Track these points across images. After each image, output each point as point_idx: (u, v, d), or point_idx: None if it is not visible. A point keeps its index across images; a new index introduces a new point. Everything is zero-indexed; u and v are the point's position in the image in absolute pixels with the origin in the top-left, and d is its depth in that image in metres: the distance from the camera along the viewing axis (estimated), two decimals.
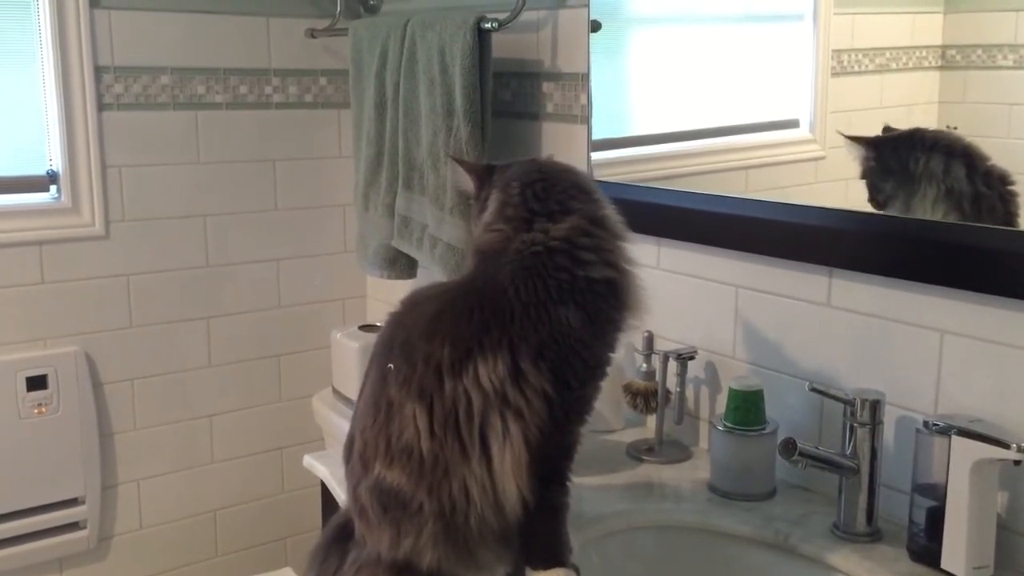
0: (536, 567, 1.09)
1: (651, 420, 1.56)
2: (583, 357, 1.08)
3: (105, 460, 2.10)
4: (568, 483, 1.13)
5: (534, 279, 1.08)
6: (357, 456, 1.11)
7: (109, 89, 2.02)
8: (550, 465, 1.10)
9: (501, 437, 1.05)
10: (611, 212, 1.16)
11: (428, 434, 1.05)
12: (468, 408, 1.04)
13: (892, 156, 1.28)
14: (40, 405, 1.98)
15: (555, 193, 1.14)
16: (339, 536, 1.18)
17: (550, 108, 1.79)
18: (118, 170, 2.06)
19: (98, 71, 2.00)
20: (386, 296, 2.33)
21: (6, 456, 1.95)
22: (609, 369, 1.14)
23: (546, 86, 1.79)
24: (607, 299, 1.10)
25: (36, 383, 1.97)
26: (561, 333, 1.07)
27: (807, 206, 1.36)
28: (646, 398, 1.52)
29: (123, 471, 2.13)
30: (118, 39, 2.02)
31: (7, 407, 1.95)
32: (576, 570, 1.10)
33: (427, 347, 1.06)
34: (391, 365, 1.08)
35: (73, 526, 2.05)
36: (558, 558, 1.10)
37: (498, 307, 1.07)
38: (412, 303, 1.14)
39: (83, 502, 2.05)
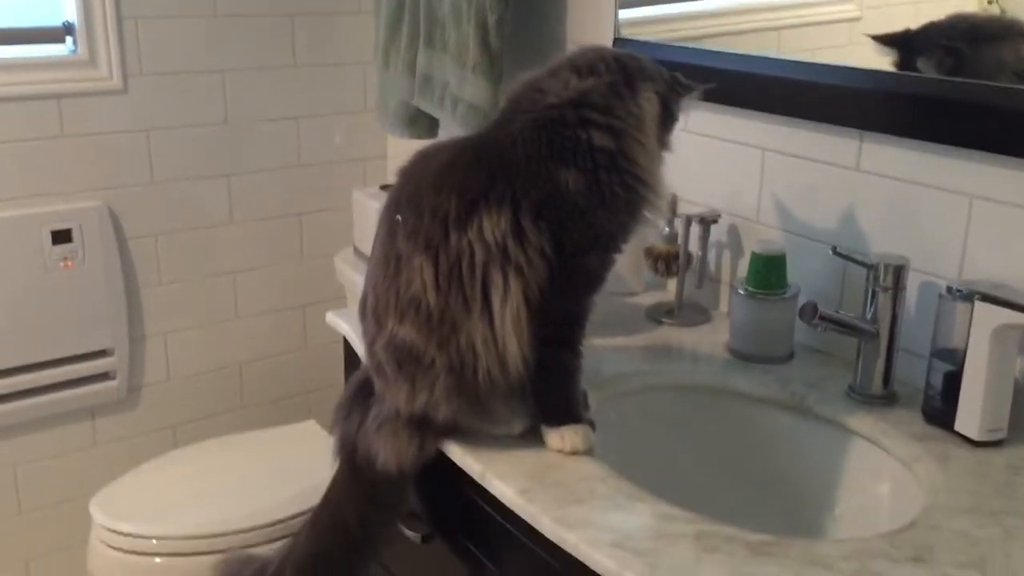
0: (551, 424, 1.11)
1: (672, 283, 1.56)
2: (582, 224, 1.07)
3: (132, 313, 2.13)
4: (579, 348, 1.13)
5: (539, 133, 1.06)
6: (371, 313, 1.13)
7: None
8: (555, 331, 1.10)
9: (502, 292, 1.05)
10: (649, 98, 1.10)
11: (434, 287, 1.05)
12: (471, 262, 1.04)
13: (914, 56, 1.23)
14: (66, 259, 2.00)
15: (591, 57, 1.11)
16: (361, 392, 1.20)
17: None
18: (134, 22, 2.01)
19: None
20: (407, 156, 2.31)
21: (35, 307, 1.99)
22: (623, 246, 1.13)
23: None
24: (610, 171, 1.06)
25: (61, 237, 1.98)
26: (559, 195, 1.05)
27: (840, 66, 1.32)
28: (667, 261, 1.52)
29: (150, 324, 2.17)
30: None
31: (34, 260, 1.97)
32: (591, 425, 1.13)
33: (435, 198, 1.06)
34: (399, 217, 1.08)
35: (103, 376, 2.11)
36: (572, 416, 1.12)
37: (505, 160, 1.06)
38: (423, 155, 1.13)
39: (112, 353, 2.10)
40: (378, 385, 1.15)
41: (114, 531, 1.77)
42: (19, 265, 1.96)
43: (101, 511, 1.81)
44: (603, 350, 1.37)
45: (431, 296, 1.05)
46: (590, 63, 1.10)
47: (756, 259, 1.36)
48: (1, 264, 1.94)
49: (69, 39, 1.98)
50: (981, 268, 1.19)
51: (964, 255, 1.20)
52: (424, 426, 1.12)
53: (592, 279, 1.12)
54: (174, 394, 2.24)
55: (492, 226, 1.04)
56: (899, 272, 1.20)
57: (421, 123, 1.98)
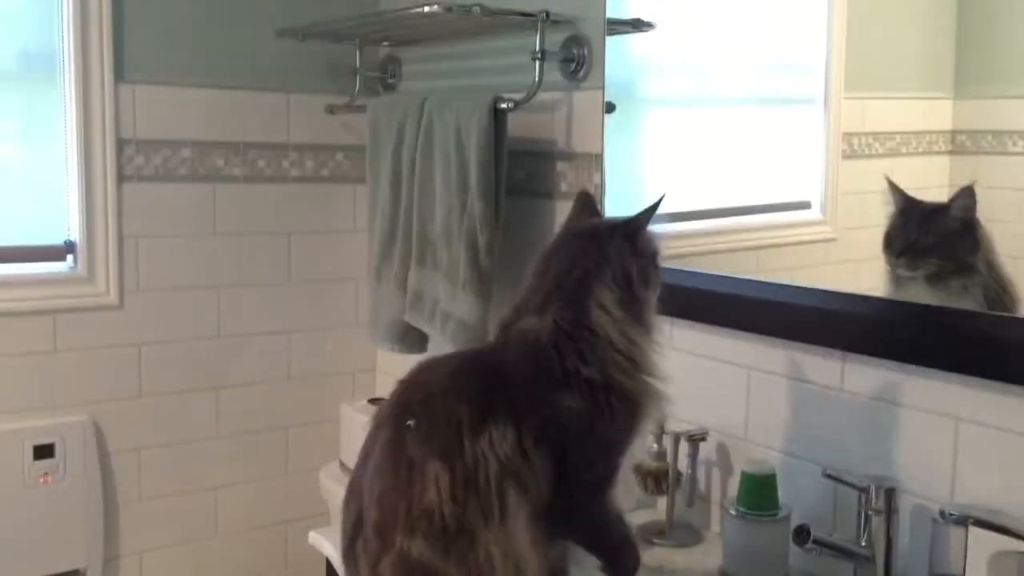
0: None
1: (662, 502, 1.54)
2: (587, 441, 1.08)
3: (108, 531, 2.07)
4: (613, 496, 1.14)
5: (532, 362, 1.08)
6: (372, 529, 1.08)
7: (130, 161, 2.05)
8: (575, 528, 1.12)
9: (515, 506, 1.04)
10: (603, 303, 1.11)
11: (450, 498, 1.03)
12: (487, 472, 1.04)
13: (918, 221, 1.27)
14: (46, 474, 1.96)
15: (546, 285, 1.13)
16: None
17: (564, 187, 1.80)
18: (135, 240, 2.08)
19: (120, 144, 2.03)
20: (395, 370, 2.29)
21: (9, 525, 1.93)
22: (628, 449, 1.14)
23: (560, 165, 1.81)
24: (607, 392, 1.08)
25: (43, 452, 1.96)
26: (559, 418, 1.07)
27: (820, 289, 1.36)
28: (657, 480, 1.50)
29: (126, 543, 2.11)
30: (141, 113, 2.05)
31: (13, 476, 1.93)
32: None
33: (449, 404, 1.06)
34: (410, 423, 1.07)
35: None
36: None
37: (505, 379, 1.07)
38: (425, 367, 1.14)
39: (84, 574, 2.02)
40: None
41: None
42: None
43: None
44: (596, 571, 1.33)
45: (447, 507, 1.02)
46: (545, 294, 1.12)
47: (747, 479, 1.34)
48: None
49: (70, 257, 2.03)
50: (973, 491, 1.17)
51: (955, 477, 1.19)
52: None
53: (603, 483, 1.13)
54: None
55: (500, 440, 1.04)
56: (891, 495, 1.19)
57: (411, 338, 2.01)
